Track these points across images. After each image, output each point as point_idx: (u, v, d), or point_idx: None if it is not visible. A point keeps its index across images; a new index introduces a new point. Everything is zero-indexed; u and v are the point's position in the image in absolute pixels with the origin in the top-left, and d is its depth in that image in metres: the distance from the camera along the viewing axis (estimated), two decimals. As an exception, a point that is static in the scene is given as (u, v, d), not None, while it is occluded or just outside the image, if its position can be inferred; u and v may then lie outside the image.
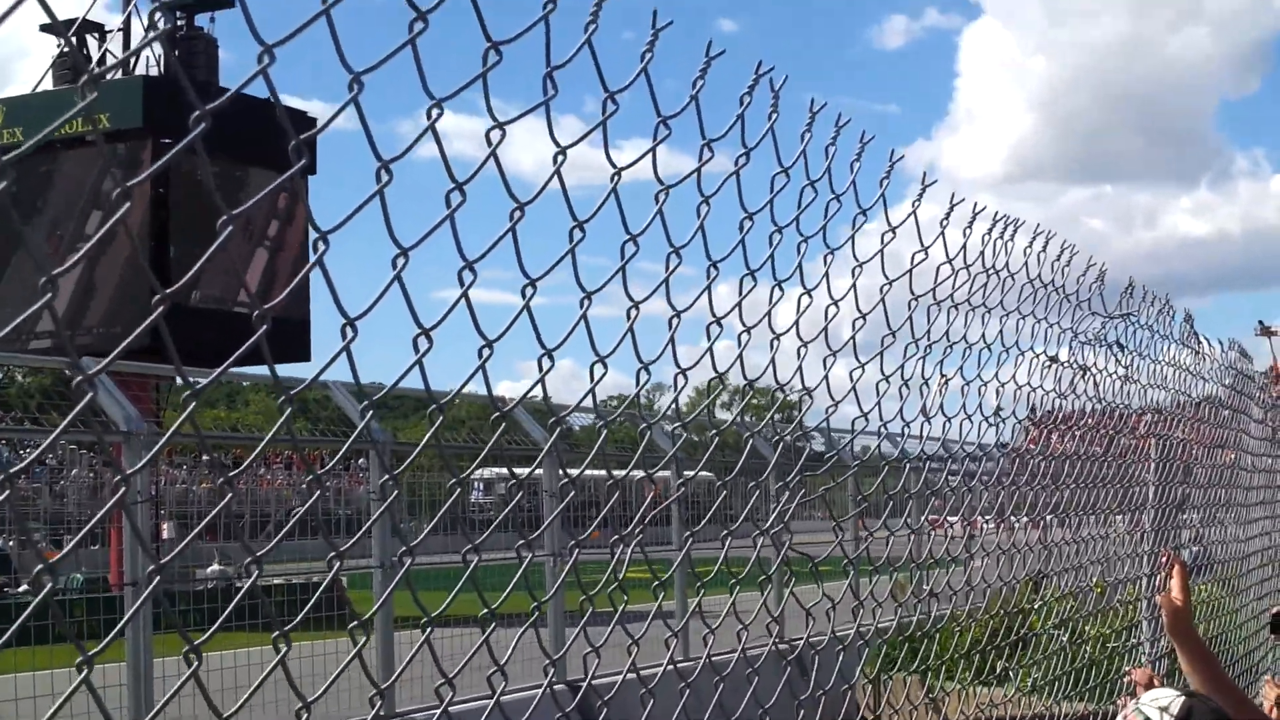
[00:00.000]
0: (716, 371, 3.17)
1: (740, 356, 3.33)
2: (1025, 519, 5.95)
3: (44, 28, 27.27)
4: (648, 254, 3.08)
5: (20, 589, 15.65)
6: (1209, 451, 8.19)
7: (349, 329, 2.30)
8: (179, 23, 25.70)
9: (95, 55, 25.42)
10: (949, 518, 5.97)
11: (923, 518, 5.39)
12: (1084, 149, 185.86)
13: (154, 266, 22.30)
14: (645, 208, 2.90)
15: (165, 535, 15.62)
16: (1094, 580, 6.70)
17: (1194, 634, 4.34)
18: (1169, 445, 7.37)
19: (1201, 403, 7.94)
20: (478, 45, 2.44)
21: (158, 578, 2.11)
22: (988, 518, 5.79)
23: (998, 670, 5.74)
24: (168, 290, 2.05)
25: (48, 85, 25.27)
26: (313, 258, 2.33)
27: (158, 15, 1.98)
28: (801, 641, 3.89)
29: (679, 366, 3.03)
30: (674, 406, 3.21)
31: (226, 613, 2.21)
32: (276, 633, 2.22)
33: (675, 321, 2.97)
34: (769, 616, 3.73)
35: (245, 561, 2.22)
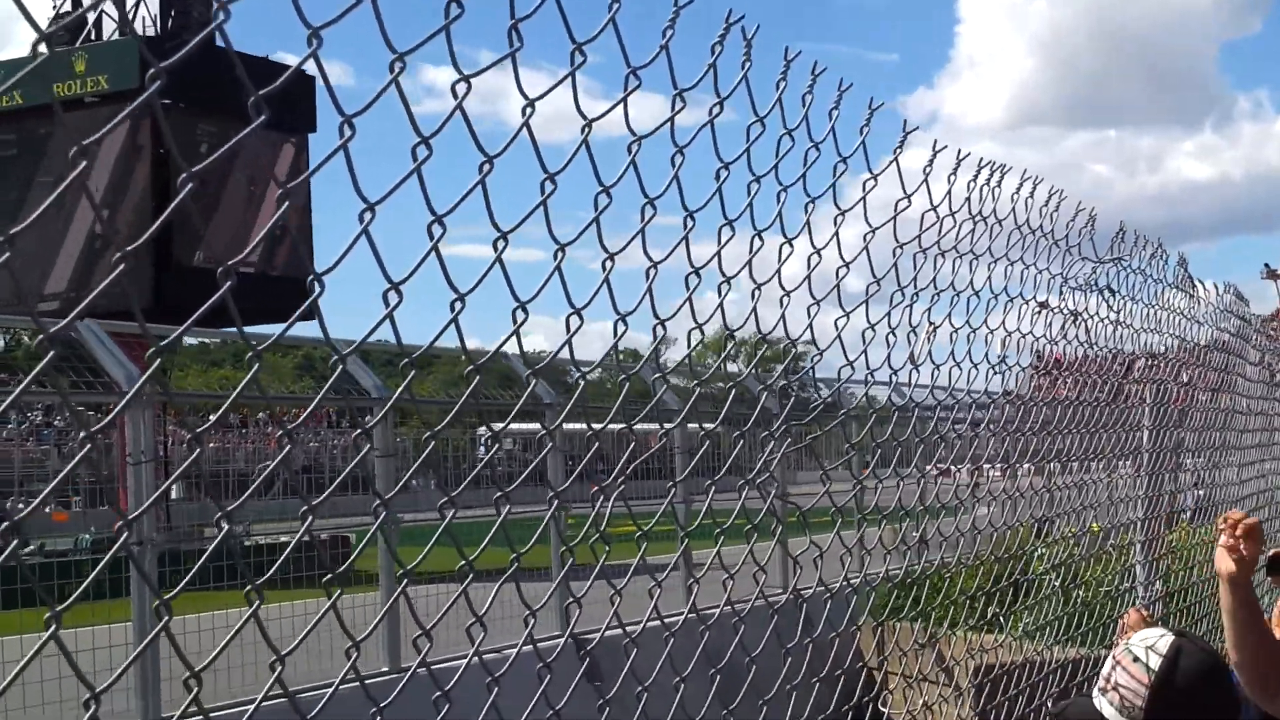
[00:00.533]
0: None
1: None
2: (1027, 465, 5.94)
3: (40, -11, 27.22)
4: (653, 210, 3.08)
5: (26, 549, 15.73)
6: (1204, 395, 8.18)
7: (316, 283, 2.30)
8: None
9: (91, 16, 25.32)
10: (951, 466, 5.98)
11: (913, 465, 5.38)
12: (1086, 93, 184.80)
13: (157, 230, 22.30)
14: (649, 162, 2.90)
15: (174, 495, 15.67)
16: (1090, 524, 6.72)
17: (1250, 587, 4.23)
18: (1163, 389, 7.36)
19: (1197, 346, 7.93)
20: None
21: (126, 532, 2.11)
22: (990, 465, 5.78)
23: (990, 616, 5.76)
24: (129, 248, 2.04)
25: (44, 48, 25.14)
26: (295, 217, 2.32)
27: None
28: (787, 592, 3.90)
29: (657, 317, 3.03)
30: (655, 357, 3.21)
31: (192, 574, 2.21)
32: (248, 587, 2.23)
33: (653, 272, 2.97)
34: (757, 567, 3.73)
35: (215, 517, 2.23)
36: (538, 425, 14.78)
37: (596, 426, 3.25)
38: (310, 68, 2.32)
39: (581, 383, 3.18)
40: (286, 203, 2.42)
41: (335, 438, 22.00)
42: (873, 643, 4.92)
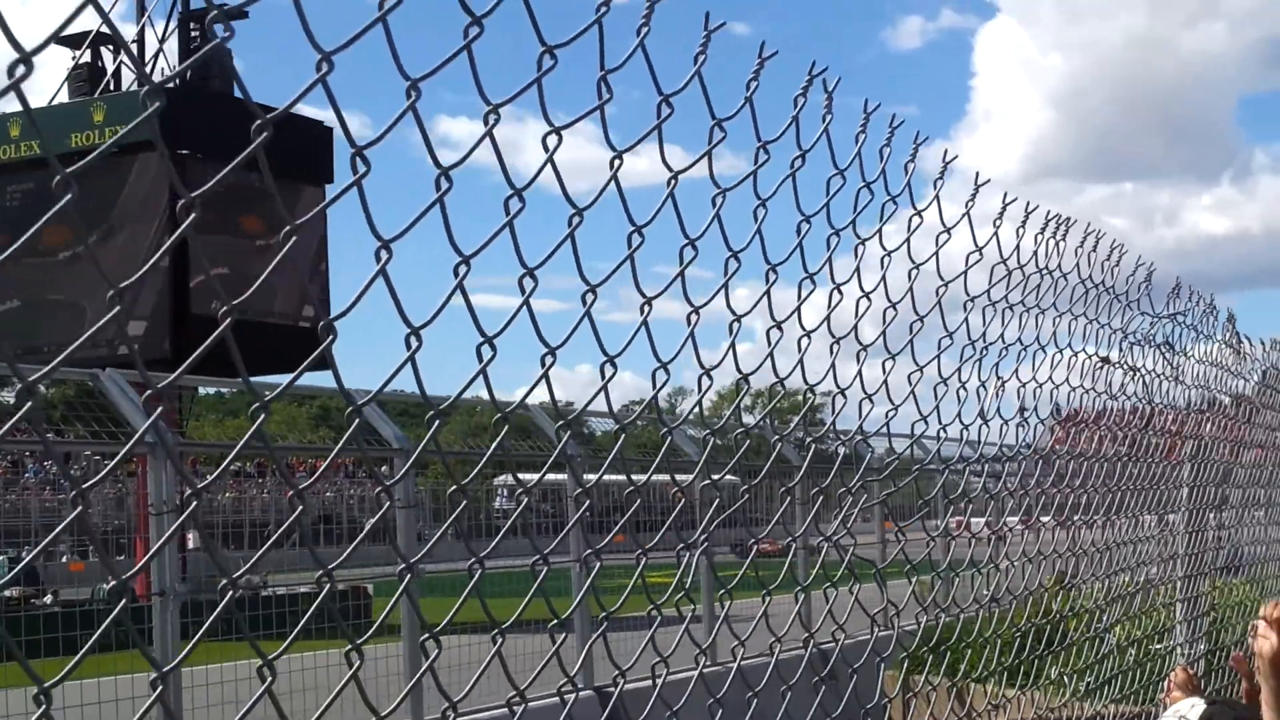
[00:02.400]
0: (779, 376, 3.12)
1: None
2: (1052, 521, 5.88)
3: (59, 40, 27.41)
4: (662, 256, 3.04)
5: (46, 599, 15.66)
6: (1245, 451, 8.11)
7: (414, 338, 2.26)
8: (193, 34, 25.74)
9: (110, 67, 25.51)
10: (973, 519, 5.92)
11: (946, 520, 5.31)
12: (1102, 146, 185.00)
13: (175, 279, 22.43)
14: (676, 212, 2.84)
15: (190, 544, 15.62)
16: (1126, 583, 6.64)
17: None
18: (1204, 445, 7.29)
19: (1239, 401, 7.87)
20: (513, 51, 2.42)
21: (232, 590, 2.07)
22: (1013, 521, 5.71)
23: (1030, 676, 5.68)
24: (235, 302, 2.01)
25: (63, 98, 25.34)
26: (375, 267, 2.28)
27: (213, 25, 1.94)
28: (809, 647, 3.81)
29: (740, 371, 3.00)
30: (737, 410, 3.17)
31: (303, 621, 2.16)
32: (348, 648, 2.19)
33: (735, 326, 2.94)
34: (785, 623, 3.66)
35: (318, 576, 2.19)
36: (557, 476, 14.72)
37: (631, 478, 3.19)
38: (329, 119, 2.28)
39: (618, 435, 3.12)
40: (383, 252, 2.37)
41: (352, 488, 21.92)
42: (899, 700, 4.84)
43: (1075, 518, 5.93)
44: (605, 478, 3.96)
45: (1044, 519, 5.76)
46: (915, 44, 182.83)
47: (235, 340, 1.98)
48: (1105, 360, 5.33)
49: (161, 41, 25.97)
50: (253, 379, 2.21)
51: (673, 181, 2.72)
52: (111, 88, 25.14)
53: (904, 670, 4.81)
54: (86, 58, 25.50)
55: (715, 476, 3.34)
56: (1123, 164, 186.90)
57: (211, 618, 1.91)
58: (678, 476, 4.55)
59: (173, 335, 21.60)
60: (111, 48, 25.86)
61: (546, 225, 2.60)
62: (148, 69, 24.91)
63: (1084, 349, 5.27)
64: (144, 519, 12.66)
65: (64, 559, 18.23)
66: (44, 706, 1.71)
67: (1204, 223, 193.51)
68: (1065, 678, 5.85)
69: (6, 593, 13.86)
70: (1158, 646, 6.77)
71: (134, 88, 24.81)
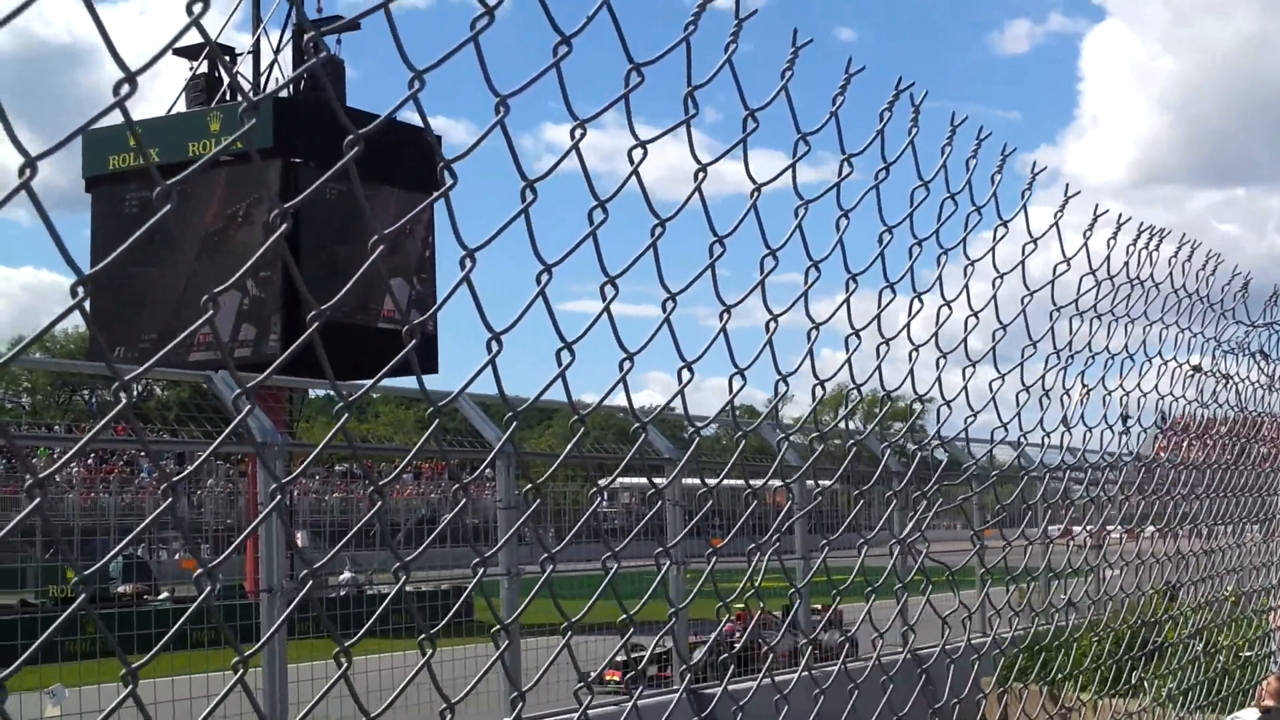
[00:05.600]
0: (854, 382, 3.17)
1: (879, 367, 3.33)
2: (1154, 529, 5.83)
3: (177, 51, 28.11)
4: (745, 266, 3.10)
5: (160, 596, 16.05)
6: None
7: (494, 343, 2.34)
8: (310, 45, 26.25)
9: (225, 79, 26.11)
10: (1073, 528, 5.89)
11: (1043, 526, 5.28)
12: (1214, 151, 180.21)
13: (284, 285, 22.85)
14: (772, 222, 2.92)
15: (300, 543, 15.92)
16: (1229, 590, 6.56)
17: None
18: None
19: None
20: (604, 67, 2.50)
21: (310, 581, 2.16)
22: (1113, 528, 5.68)
23: (1125, 680, 5.64)
24: (324, 307, 2.10)
25: (180, 107, 25.99)
26: (459, 274, 2.37)
27: (302, 38, 2.03)
28: (902, 653, 3.84)
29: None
30: (812, 417, 3.22)
31: (372, 620, 2.25)
32: (422, 635, 2.27)
33: (814, 334, 2.98)
34: (889, 626, 3.70)
35: (394, 567, 2.28)
36: (658, 480, 14.77)
37: (711, 482, 3.26)
38: (442, 129, 2.38)
39: (696, 439, 3.18)
40: (467, 260, 2.45)
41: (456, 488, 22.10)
42: (997, 708, 4.84)
43: (1175, 525, 5.88)
44: (696, 482, 4.03)
45: (1146, 527, 5.73)
46: (1022, 48, 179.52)
47: (337, 343, 2.08)
48: (1196, 368, 5.29)
49: (277, 51, 26.51)
50: (363, 382, 2.33)
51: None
52: (228, 98, 25.72)
53: (997, 673, 4.82)
54: (203, 68, 26.12)
55: (825, 482, 3.39)
56: (1235, 169, 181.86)
57: (290, 607, 2.00)
58: (773, 482, 4.60)
59: (284, 340, 22.01)
60: (227, 58, 26.47)
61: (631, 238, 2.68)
62: (261, 79, 25.41)
63: (1174, 357, 5.24)
64: (253, 518, 12.94)
65: (177, 556, 18.68)
66: (131, 687, 1.80)
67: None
68: (1146, 683, 5.80)
69: (119, 589, 14.22)
70: (1248, 654, 6.68)
71: (251, 97, 25.32)
